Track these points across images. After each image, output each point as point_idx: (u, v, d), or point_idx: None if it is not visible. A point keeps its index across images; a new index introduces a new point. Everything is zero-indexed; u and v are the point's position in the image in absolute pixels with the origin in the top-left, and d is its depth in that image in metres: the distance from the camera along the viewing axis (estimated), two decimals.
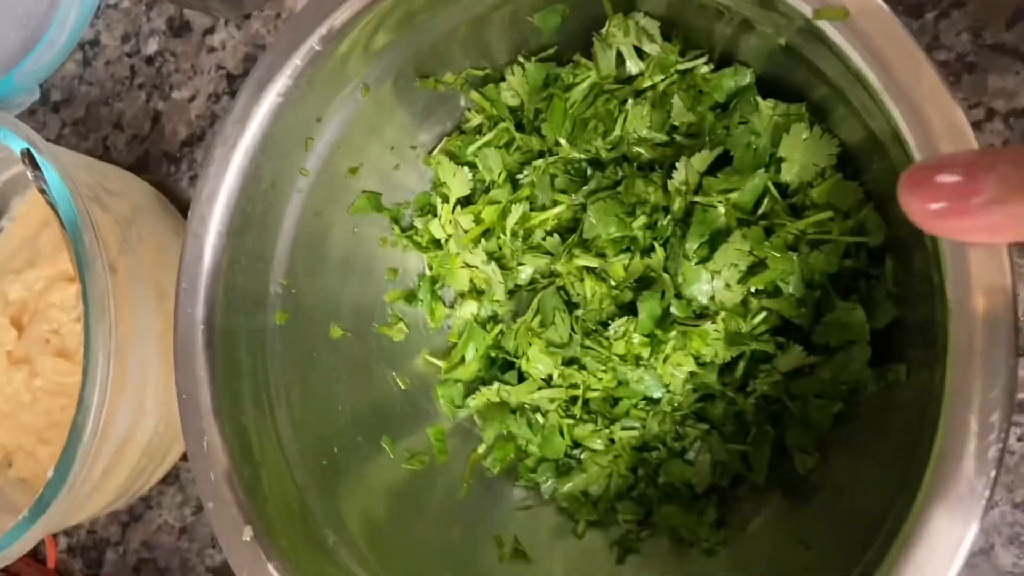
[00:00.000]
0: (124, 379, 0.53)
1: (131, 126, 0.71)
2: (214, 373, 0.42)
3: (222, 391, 0.42)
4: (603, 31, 0.43)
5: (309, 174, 0.46)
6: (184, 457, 0.65)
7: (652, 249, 0.43)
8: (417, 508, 0.51)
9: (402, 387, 0.53)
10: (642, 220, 0.43)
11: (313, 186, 0.46)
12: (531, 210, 0.47)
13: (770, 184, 0.41)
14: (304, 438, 0.46)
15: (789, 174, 0.41)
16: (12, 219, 0.70)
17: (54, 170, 0.51)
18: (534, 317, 0.47)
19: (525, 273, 0.48)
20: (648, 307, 0.42)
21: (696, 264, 0.41)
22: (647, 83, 0.44)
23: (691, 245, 0.41)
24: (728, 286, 0.41)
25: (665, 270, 0.42)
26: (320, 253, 0.48)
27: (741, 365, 0.45)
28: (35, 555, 0.71)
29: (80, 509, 0.58)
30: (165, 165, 0.69)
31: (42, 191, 0.47)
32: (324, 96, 0.43)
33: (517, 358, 0.51)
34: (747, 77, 0.43)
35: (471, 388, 0.54)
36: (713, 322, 0.42)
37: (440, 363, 0.54)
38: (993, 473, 0.30)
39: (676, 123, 0.44)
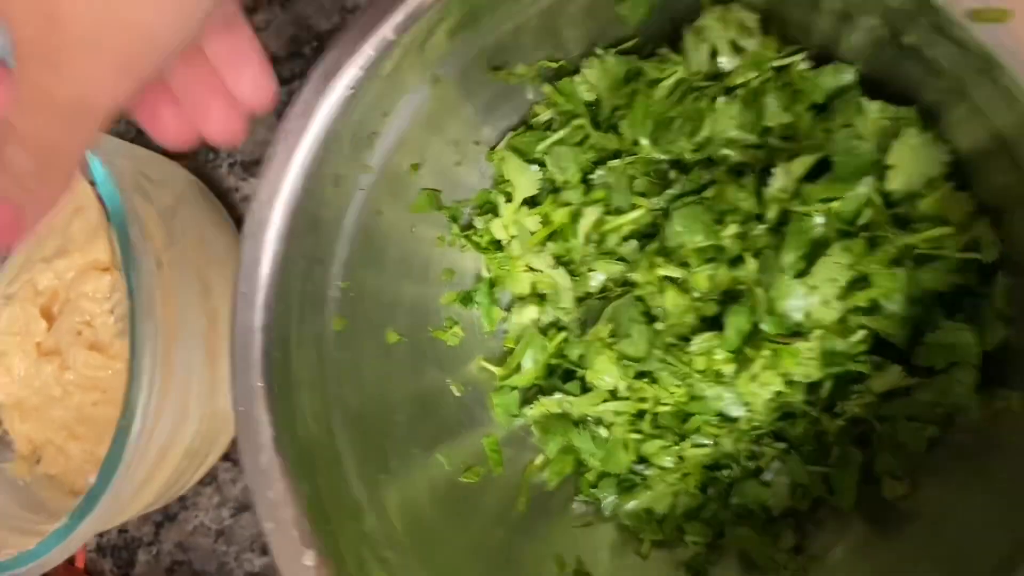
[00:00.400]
0: (169, 380, 0.50)
1: None
2: (271, 384, 0.39)
3: (280, 403, 0.39)
4: (697, 23, 0.40)
5: (372, 171, 0.43)
6: (223, 457, 0.63)
7: (740, 260, 0.40)
8: (471, 520, 0.48)
9: (457, 394, 0.51)
10: (732, 229, 0.40)
11: (375, 183, 0.43)
12: (606, 214, 0.44)
13: (876, 194, 0.38)
14: (360, 450, 0.44)
15: (895, 183, 0.38)
16: None
17: (98, 160, 0.48)
18: (606, 327, 0.44)
19: (596, 280, 0.45)
20: (736, 322, 0.39)
21: (792, 278, 0.38)
22: (739, 80, 0.40)
23: (788, 258, 0.38)
24: (826, 302, 0.38)
25: (757, 283, 0.39)
26: (379, 254, 0.46)
27: (828, 385, 0.42)
28: None
29: (120, 513, 0.56)
30: (203, 151, 0.66)
31: (91, 183, 0.45)
32: (393, 89, 0.40)
33: (582, 368, 0.48)
34: (849, 75, 0.40)
35: (526, 396, 0.51)
36: (807, 340, 0.39)
37: (496, 369, 0.51)
38: None
39: (769, 124, 0.41)
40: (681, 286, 0.41)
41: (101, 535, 0.68)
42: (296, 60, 0.63)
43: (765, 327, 0.39)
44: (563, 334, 0.49)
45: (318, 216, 0.41)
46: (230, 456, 0.63)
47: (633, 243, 0.43)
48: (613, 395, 0.47)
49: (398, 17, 0.36)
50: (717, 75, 0.41)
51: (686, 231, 0.40)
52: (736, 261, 0.40)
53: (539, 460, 0.51)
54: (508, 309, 0.52)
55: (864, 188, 0.38)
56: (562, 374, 0.50)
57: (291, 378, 0.41)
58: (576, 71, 0.45)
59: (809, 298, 0.38)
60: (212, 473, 0.64)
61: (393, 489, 0.45)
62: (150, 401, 0.48)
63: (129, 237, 0.48)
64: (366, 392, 0.45)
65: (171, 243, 0.53)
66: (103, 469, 0.49)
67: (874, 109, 0.38)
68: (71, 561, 0.69)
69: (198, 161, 0.66)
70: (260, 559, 0.62)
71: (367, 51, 0.37)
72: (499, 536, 0.49)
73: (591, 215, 0.44)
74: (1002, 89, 0.30)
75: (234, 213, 0.64)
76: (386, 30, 0.37)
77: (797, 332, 0.39)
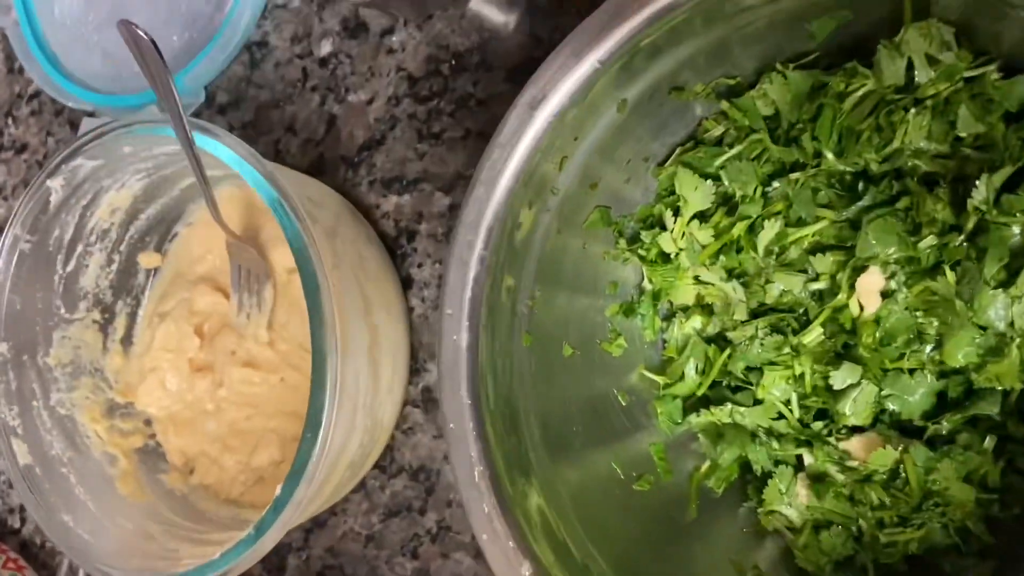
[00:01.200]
0: (343, 394, 0.52)
1: (304, 129, 0.70)
2: (476, 400, 0.41)
3: (485, 419, 0.41)
4: (896, 39, 0.40)
5: (559, 193, 0.44)
6: (374, 466, 0.65)
7: (936, 270, 0.41)
8: (642, 521, 0.50)
9: (623, 403, 0.52)
10: (931, 240, 0.40)
11: (560, 204, 0.44)
12: (786, 226, 0.45)
13: None
14: (549, 462, 0.45)
15: None
16: (188, 224, 0.70)
17: (275, 187, 0.51)
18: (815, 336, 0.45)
19: (776, 291, 0.46)
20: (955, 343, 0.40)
21: (994, 288, 0.39)
22: (930, 92, 0.41)
23: (990, 268, 0.39)
24: None
25: (957, 295, 0.40)
26: (556, 271, 0.47)
27: (1016, 391, 0.42)
28: None
29: (291, 523, 0.58)
30: (343, 170, 0.68)
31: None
32: (588, 115, 0.41)
33: (748, 384, 0.49)
34: None
35: (689, 404, 0.52)
36: (1007, 352, 0.39)
37: (659, 378, 0.52)
38: None
39: (961, 134, 0.41)
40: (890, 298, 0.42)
41: None
42: (434, 78, 0.65)
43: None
44: (728, 349, 0.50)
45: (512, 238, 0.43)
46: (379, 464, 0.65)
47: (827, 256, 0.44)
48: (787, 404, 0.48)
49: (608, 44, 0.37)
50: (907, 87, 0.42)
51: (879, 242, 0.41)
52: (931, 272, 0.41)
53: (705, 467, 0.52)
54: (666, 319, 0.53)
55: None
56: (730, 386, 0.51)
57: (492, 393, 0.42)
58: (751, 86, 0.46)
59: (1013, 308, 0.39)
60: (362, 480, 0.66)
61: (570, 494, 0.46)
62: (331, 415, 0.50)
63: (309, 259, 0.50)
64: (548, 404, 0.47)
65: (336, 262, 0.55)
66: (288, 480, 0.51)
67: None
68: None
69: (338, 180, 0.68)
70: (411, 563, 0.64)
71: (573, 80, 0.38)
72: (668, 536, 0.50)
73: (772, 227, 0.44)
74: None
75: (377, 229, 0.66)
76: (594, 58, 0.38)
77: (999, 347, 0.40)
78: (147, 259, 0.69)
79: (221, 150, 0.52)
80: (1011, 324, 0.39)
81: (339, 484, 0.60)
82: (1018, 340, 0.40)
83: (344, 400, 0.53)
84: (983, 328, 0.40)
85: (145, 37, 0.49)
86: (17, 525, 0.80)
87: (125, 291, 0.69)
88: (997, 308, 0.39)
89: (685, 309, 0.51)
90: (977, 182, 0.39)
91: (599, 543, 0.45)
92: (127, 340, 0.70)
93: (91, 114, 0.78)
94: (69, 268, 0.65)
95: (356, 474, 0.62)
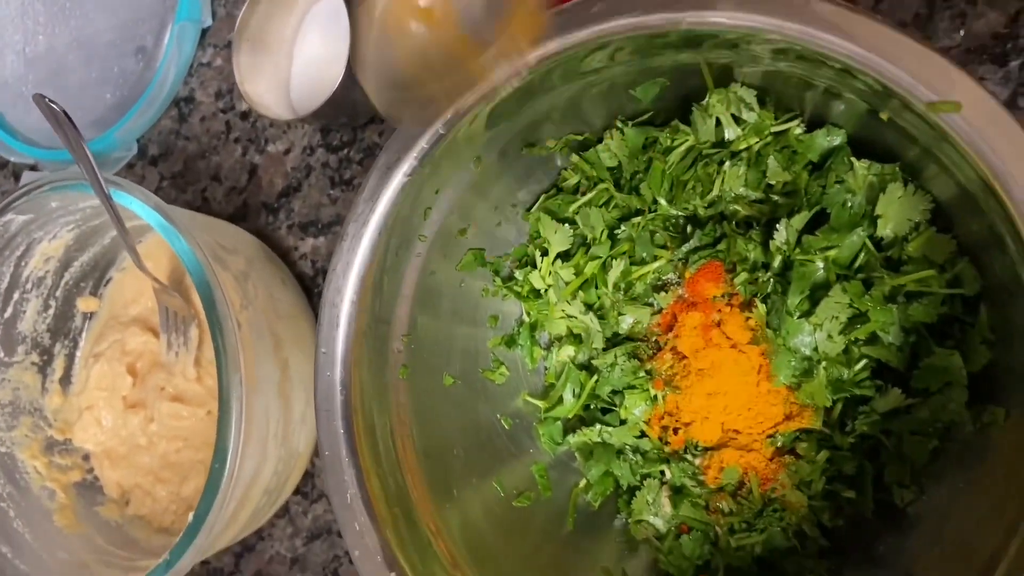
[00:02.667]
0: (251, 426, 0.57)
1: (228, 178, 0.75)
2: (350, 429, 0.46)
3: (358, 445, 0.46)
4: (704, 102, 0.46)
5: (426, 239, 0.49)
6: (295, 491, 0.69)
7: (751, 304, 0.46)
8: (525, 538, 0.54)
9: (506, 427, 0.57)
10: (743, 276, 0.46)
11: (429, 249, 0.50)
12: (631, 264, 0.50)
13: (868, 241, 0.43)
14: (427, 482, 0.50)
15: (885, 229, 0.44)
16: (121, 270, 0.75)
17: (183, 237, 0.55)
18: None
19: (626, 323, 0.51)
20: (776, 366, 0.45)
21: (799, 318, 0.44)
22: (743, 145, 0.46)
23: (793, 300, 0.44)
24: (830, 337, 0.43)
25: (768, 325, 0.45)
26: (433, 308, 0.52)
27: (838, 407, 0.47)
28: None
29: (210, 548, 0.62)
30: (264, 215, 0.73)
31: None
32: (443, 172, 0.46)
33: (614, 406, 0.54)
34: (839, 138, 0.45)
35: (568, 425, 0.57)
36: (816, 373, 0.45)
37: (540, 403, 0.57)
38: None
39: (772, 182, 0.46)
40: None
41: None
42: (344, 130, 0.70)
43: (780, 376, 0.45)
44: (596, 375, 0.55)
45: (382, 282, 0.48)
46: (301, 490, 0.70)
47: (667, 294, 0.49)
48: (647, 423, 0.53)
49: (447, 115, 0.43)
50: (724, 142, 0.47)
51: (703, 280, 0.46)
52: (747, 305, 0.46)
53: (583, 483, 0.57)
54: (547, 348, 0.58)
55: (857, 237, 0.43)
56: (600, 408, 0.56)
57: (366, 423, 0.47)
58: (599, 141, 0.51)
59: (816, 334, 0.44)
60: (285, 506, 0.70)
61: (456, 514, 0.51)
62: (237, 445, 0.55)
63: (215, 303, 0.55)
64: (429, 431, 0.51)
65: (246, 304, 0.60)
66: (199, 508, 0.55)
67: (862, 167, 0.44)
68: None
69: (259, 224, 0.73)
70: None
71: (421, 144, 0.44)
72: (551, 551, 0.54)
73: (618, 266, 0.50)
74: (959, 154, 0.35)
75: (294, 270, 0.71)
76: (437, 126, 0.43)
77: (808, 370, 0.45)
78: (85, 303, 0.74)
79: (134, 203, 0.57)
80: (815, 349, 0.44)
81: (258, 509, 0.64)
82: (824, 363, 0.45)
83: (252, 430, 0.57)
84: (795, 353, 0.45)
85: (58, 109, 0.54)
86: None
87: (62, 334, 0.74)
88: (803, 336, 0.44)
89: (560, 339, 0.57)
90: (778, 225, 0.44)
91: (481, 560, 0.50)
92: (65, 380, 0.75)
93: (33, 167, 0.83)
94: (7, 314, 0.70)
95: (275, 499, 0.66)
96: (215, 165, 0.75)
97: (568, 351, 0.56)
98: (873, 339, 0.45)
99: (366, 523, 0.44)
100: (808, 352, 0.44)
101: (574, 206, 0.51)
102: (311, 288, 0.71)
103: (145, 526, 0.72)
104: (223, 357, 0.54)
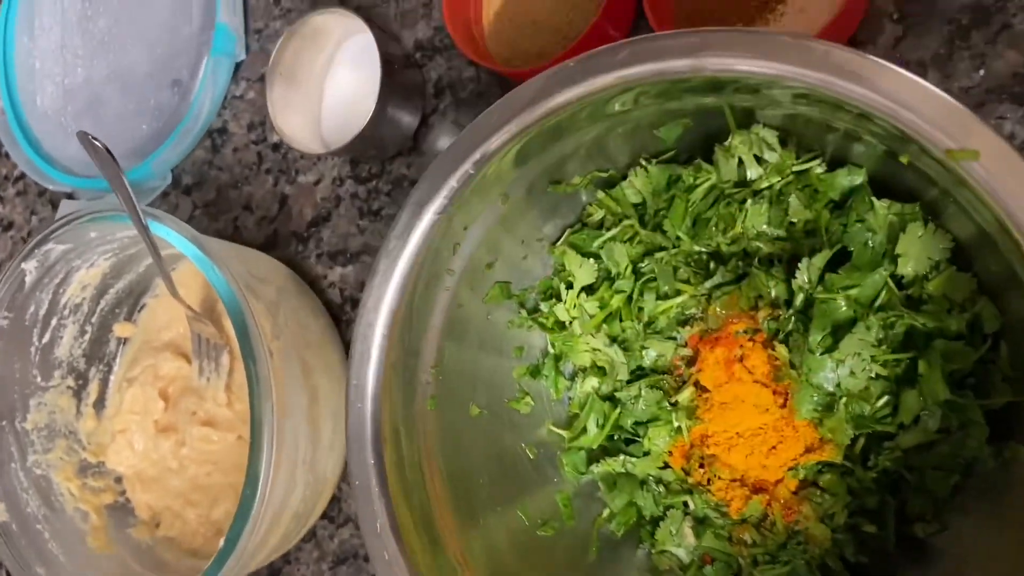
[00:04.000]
0: (281, 452, 0.58)
1: (260, 208, 0.77)
2: (380, 460, 0.47)
3: (387, 475, 0.47)
4: (727, 143, 0.47)
5: (455, 273, 0.50)
6: (322, 516, 0.70)
7: (775, 339, 0.47)
8: (548, 566, 0.55)
9: (530, 456, 0.58)
10: (765, 312, 0.46)
11: (457, 283, 0.51)
12: (656, 299, 0.51)
13: (889, 281, 0.44)
14: (452, 510, 0.51)
15: (905, 268, 0.45)
16: (155, 296, 0.77)
17: (217, 267, 0.57)
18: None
19: (650, 356, 0.52)
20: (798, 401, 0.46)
21: (821, 355, 0.45)
22: (765, 184, 0.47)
23: (815, 337, 0.45)
24: (853, 373, 0.44)
25: (788, 365, 0.46)
26: (460, 340, 0.53)
27: (860, 442, 0.48)
28: None
29: (239, 572, 0.64)
30: (293, 244, 0.75)
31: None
32: (472, 208, 0.48)
33: (637, 436, 0.55)
34: (860, 177, 0.46)
35: (592, 455, 0.58)
36: (836, 409, 0.45)
37: (564, 433, 0.58)
38: None
39: (793, 220, 0.47)
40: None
41: None
42: (373, 161, 0.72)
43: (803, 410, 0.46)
44: (619, 408, 0.56)
45: (411, 316, 0.49)
46: (328, 515, 0.71)
47: (691, 328, 0.50)
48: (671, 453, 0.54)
49: (476, 155, 0.44)
50: (746, 181, 0.48)
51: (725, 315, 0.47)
52: (770, 341, 0.47)
53: (606, 513, 0.57)
54: (571, 378, 0.59)
55: (879, 276, 0.44)
56: (624, 439, 0.57)
57: (395, 453, 0.48)
58: (624, 178, 0.52)
59: (838, 370, 0.45)
60: (312, 531, 0.71)
61: (481, 542, 0.52)
62: (268, 471, 0.56)
63: (247, 332, 0.56)
64: (455, 460, 0.52)
65: (277, 332, 0.61)
66: (230, 532, 0.56)
67: (883, 206, 0.45)
68: None
69: (289, 253, 0.75)
70: None
71: (451, 183, 0.45)
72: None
73: (650, 297, 0.51)
74: (977, 199, 0.36)
75: (323, 298, 0.73)
76: (467, 166, 0.44)
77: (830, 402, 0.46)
78: (121, 329, 0.76)
79: (170, 234, 0.59)
80: (838, 385, 0.45)
81: (286, 533, 0.66)
82: (844, 399, 0.46)
83: (282, 457, 0.59)
84: (818, 388, 0.46)
85: (100, 145, 0.56)
86: None
87: (97, 359, 0.76)
88: (826, 372, 0.45)
89: (584, 370, 0.58)
90: (800, 264, 0.45)
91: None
92: (99, 404, 0.77)
93: (70, 195, 0.86)
94: (45, 340, 0.72)
95: (303, 524, 0.68)
96: (247, 195, 0.77)
97: (592, 382, 0.56)
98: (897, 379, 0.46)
99: (395, 552, 0.45)
100: (831, 388, 0.45)
101: (599, 241, 0.52)
102: (339, 316, 0.72)
103: (175, 548, 0.74)
104: (255, 385, 0.56)
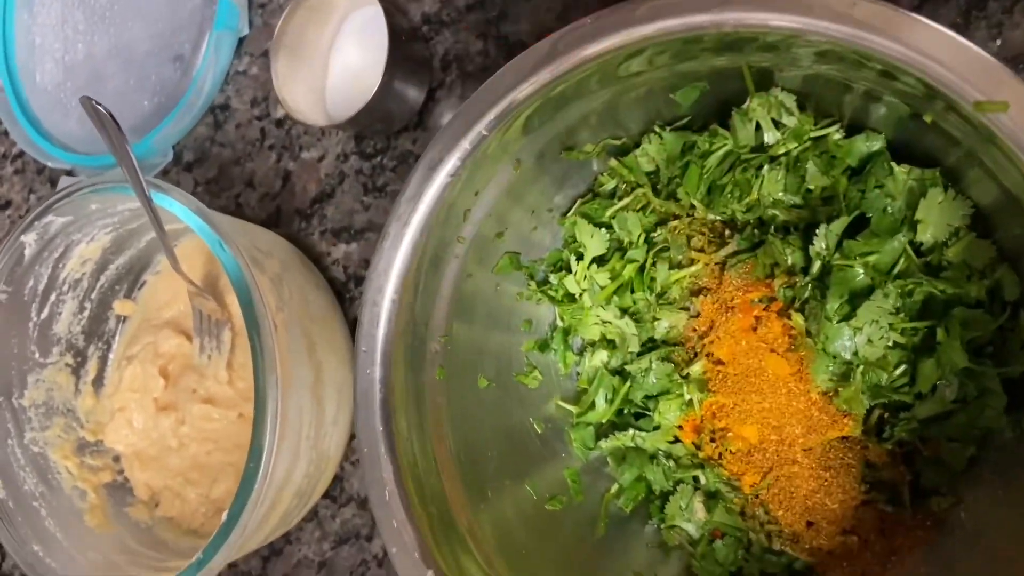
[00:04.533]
0: (285, 426, 0.57)
1: (262, 184, 0.76)
2: (388, 428, 0.46)
3: (396, 444, 0.46)
4: (744, 106, 0.46)
5: (465, 241, 0.50)
6: (324, 495, 0.69)
7: (789, 309, 0.46)
8: (557, 541, 0.54)
9: (538, 431, 0.57)
10: (782, 280, 0.46)
11: (467, 252, 0.50)
12: (668, 268, 0.50)
13: (908, 247, 0.43)
14: (461, 482, 0.50)
15: (924, 234, 0.44)
16: (156, 273, 0.76)
17: (223, 240, 0.56)
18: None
19: (661, 328, 0.51)
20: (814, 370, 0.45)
21: (838, 322, 0.44)
22: (782, 150, 0.47)
23: (832, 305, 0.44)
24: (871, 342, 0.44)
25: (805, 333, 0.45)
26: (470, 311, 0.52)
27: (876, 413, 0.47)
28: None
29: (240, 549, 0.63)
30: (296, 221, 0.74)
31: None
32: (484, 173, 0.47)
33: (648, 411, 0.54)
34: (879, 143, 0.45)
35: (600, 430, 0.57)
36: (853, 378, 0.45)
37: (572, 408, 0.57)
38: None
39: (811, 187, 0.47)
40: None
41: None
42: (377, 137, 0.71)
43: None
44: (629, 380, 0.55)
45: (421, 282, 0.48)
46: (330, 494, 0.70)
47: (705, 298, 0.49)
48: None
49: (489, 117, 0.43)
50: (763, 146, 0.48)
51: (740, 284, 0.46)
52: (786, 310, 0.46)
53: (614, 488, 0.56)
54: (580, 353, 0.58)
55: (898, 243, 0.43)
56: (634, 413, 0.56)
57: (403, 422, 0.47)
58: (637, 146, 0.52)
59: (856, 338, 0.44)
60: (314, 510, 0.70)
61: (489, 515, 0.51)
62: (272, 444, 0.55)
63: (252, 304, 0.55)
64: (464, 432, 0.52)
65: (281, 306, 0.60)
66: (232, 508, 0.55)
67: (902, 172, 0.44)
68: None
69: (292, 230, 0.74)
70: None
71: (464, 145, 0.44)
72: (583, 555, 0.54)
73: (662, 267, 0.50)
74: (1005, 156, 0.36)
75: (327, 275, 0.72)
76: (480, 127, 0.44)
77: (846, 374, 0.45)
78: (121, 306, 0.75)
79: (174, 206, 0.58)
80: (855, 353, 0.44)
81: (288, 511, 0.65)
82: (861, 367, 0.45)
83: (286, 430, 0.58)
84: (835, 357, 0.45)
85: (104, 111, 0.55)
86: None
87: (96, 336, 0.75)
88: (843, 340, 0.44)
89: (593, 344, 0.57)
90: (817, 231, 0.45)
91: (514, 561, 0.50)
92: (98, 382, 0.75)
93: (70, 172, 0.85)
94: (43, 315, 0.71)
95: (305, 502, 0.67)
96: (249, 171, 0.76)
97: (601, 356, 0.56)
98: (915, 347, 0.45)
99: (403, 520, 0.45)
100: (847, 356, 0.44)
101: (611, 210, 0.52)
102: (343, 293, 0.71)
103: (174, 528, 0.73)
104: (260, 358, 0.55)
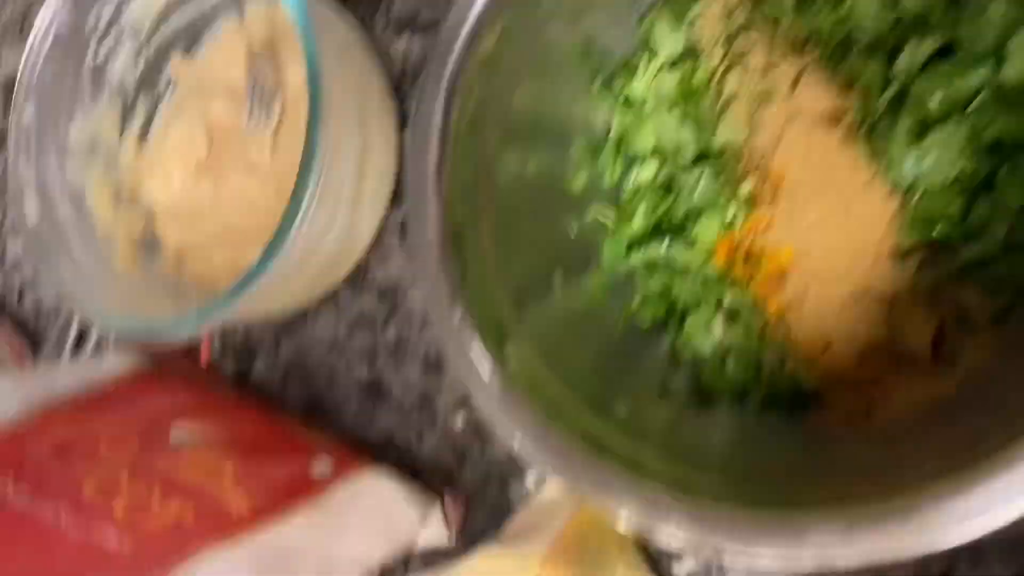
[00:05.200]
0: (327, 187, 0.58)
1: None
2: (440, 171, 0.46)
3: (443, 187, 0.46)
4: None
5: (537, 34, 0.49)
6: (345, 280, 0.71)
7: (859, 127, 0.46)
8: (579, 339, 0.55)
9: (572, 236, 0.57)
10: (856, 97, 0.45)
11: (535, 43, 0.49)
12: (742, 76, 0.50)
13: (991, 81, 0.43)
14: (502, 267, 0.51)
15: (1011, 70, 0.43)
16: (215, 37, 0.75)
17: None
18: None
19: (722, 136, 0.51)
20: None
21: (907, 146, 0.44)
22: None
23: (904, 125, 0.44)
24: (937, 166, 0.43)
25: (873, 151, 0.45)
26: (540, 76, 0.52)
27: (919, 252, 0.47)
28: (188, 351, 0.78)
29: (260, 304, 0.64)
30: (361, 7, 0.73)
31: None
32: None
33: (686, 228, 0.54)
34: None
35: (635, 245, 0.57)
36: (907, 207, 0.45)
37: (610, 216, 0.58)
38: None
39: (907, 6, 0.46)
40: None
41: (225, 335, 0.76)
42: None
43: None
44: (673, 194, 0.55)
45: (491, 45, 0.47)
46: (352, 282, 0.71)
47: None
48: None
49: None
50: None
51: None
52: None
53: (636, 301, 0.57)
54: (630, 168, 0.58)
55: (980, 75, 0.43)
56: (671, 230, 0.56)
57: (454, 173, 0.47)
58: None
59: (922, 163, 0.44)
60: (334, 294, 0.72)
61: (524, 302, 0.51)
62: (313, 196, 0.56)
63: (315, 56, 0.55)
64: (504, 219, 0.52)
65: (342, 75, 0.60)
66: (266, 250, 0.56)
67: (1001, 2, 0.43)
68: (196, 358, 0.78)
69: (358, 14, 0.73)
70: (368, 370, 0.70)
71: None
72: (601, 364, 0.55)
73: (727, 79, 0.49)
74: None
75: (385, 64, 0.71)
76: None
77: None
78: (176, 65, 0.75)
79: None
80: (917, 178, 0.44)
81: (311, 280, 0.66)
82: (919, 195, 0.45)
83: (328, 191, 0.58)
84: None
85: None
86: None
87: (148, 88, 0.75)
88: (908, 163, 0.44)
89: (644, 158, 0.57)
90: (904, 48, 0.44)
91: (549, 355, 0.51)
92: (143, 136, 0.76)
93: None
94: (101, 54, 0.71)
95: (327, 277, 0.68)
96: None
97: (651, 168, 0.56)
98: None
99: (435, 240, 0.45)
100: (909, 179, 0.44)
101: (693, 11, 0.51)
102: (399, 86, 0.71)
103: (198, 289, 0.74)
104: (316, 106, 0.55)
